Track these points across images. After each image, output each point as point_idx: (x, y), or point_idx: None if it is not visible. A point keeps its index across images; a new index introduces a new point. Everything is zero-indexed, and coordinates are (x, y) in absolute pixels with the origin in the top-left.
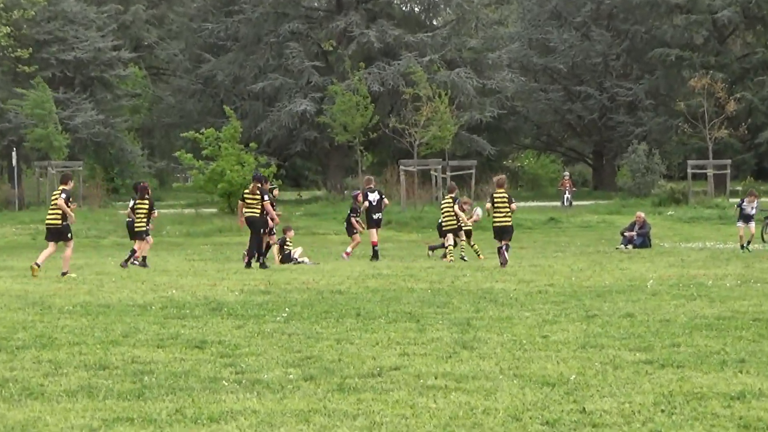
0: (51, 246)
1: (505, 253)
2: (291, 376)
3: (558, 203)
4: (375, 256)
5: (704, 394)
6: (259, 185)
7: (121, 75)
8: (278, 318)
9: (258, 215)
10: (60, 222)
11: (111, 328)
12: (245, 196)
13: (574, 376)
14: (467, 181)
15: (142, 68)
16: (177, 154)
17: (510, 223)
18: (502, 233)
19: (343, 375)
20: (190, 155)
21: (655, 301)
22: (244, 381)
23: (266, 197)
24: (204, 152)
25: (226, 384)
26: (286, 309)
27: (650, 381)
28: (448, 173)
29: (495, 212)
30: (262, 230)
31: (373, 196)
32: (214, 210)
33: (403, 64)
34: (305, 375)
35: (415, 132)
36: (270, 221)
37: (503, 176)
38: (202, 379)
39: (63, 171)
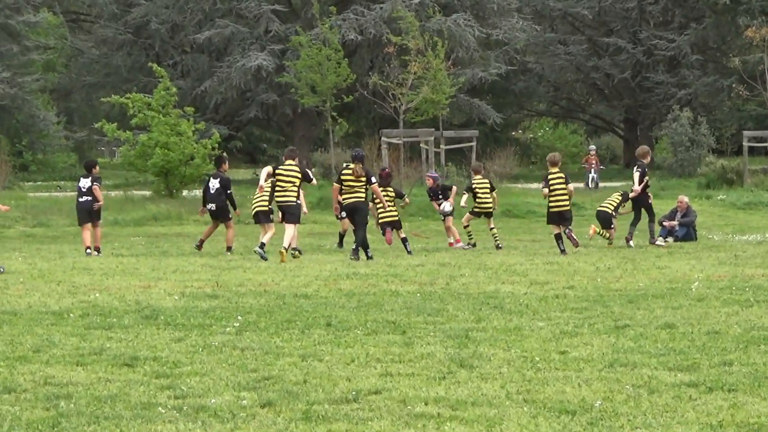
0: None
1: (572, 235)
2: (244, 401)
3: (581, 184)
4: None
5: (762, 424)
6: (361, 165)
7: (30, 22)
8: (228, 328)
9: (363, 200)
10: None
11: (18, 341)
12: (343, 178)
13: (599, 403)
14: (467, 156)
15: (57, 13)
16: (99, 125)
17: (569, 207)
18: (560, 219)
19: (310, 400)
20: (114, 125)
21: (701, 308)
22: (185, 407)
23: (373, 179)
24: (132, 121)
25: (163, 411)
26: (239, 317)
27: (695, 408)
28: (443, 146)
29: (551, 195)
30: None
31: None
32: (147, 192)
33: (387, 8)
34: (262, 400)
35: (402, 94)
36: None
37: (557, 153)
38: (132, 405)
39: None
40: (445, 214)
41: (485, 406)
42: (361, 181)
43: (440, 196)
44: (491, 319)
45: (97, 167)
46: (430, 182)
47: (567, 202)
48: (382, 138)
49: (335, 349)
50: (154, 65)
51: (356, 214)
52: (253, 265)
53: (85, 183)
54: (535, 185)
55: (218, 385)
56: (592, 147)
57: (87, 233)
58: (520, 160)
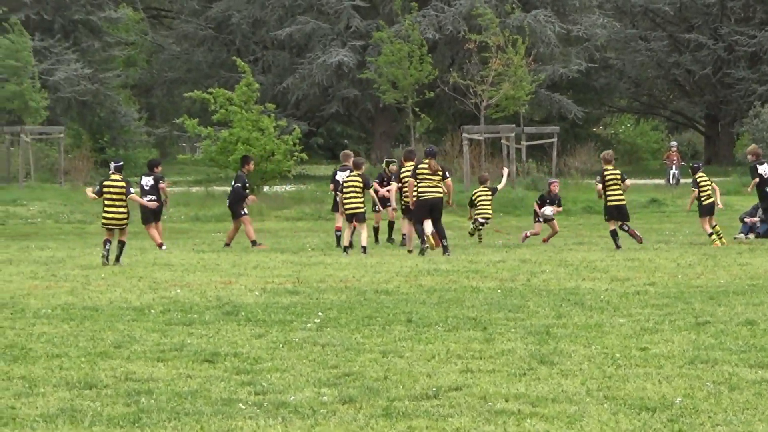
0: None
1: (634, 231)
2: (325, 397)
3: (662, 180)
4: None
5: None
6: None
7: (111, 18)
8: (309, 325)
9: (441, 195)
10: None
11: (99, 337)
12: (420, 174)
13: (679, 399)
14: (548, 152)
15: (138, 9)
16: (179, 120)
17: (625, 202)
18: (619, 214)
19: (390, 397)
20: (195, 121)
21: None
22: (265, 404)
23: (447, 174)
24: (214, 117)
25: (244, 407)
26: (319, 313)
27: None
28: (524, 142)
29: (608, 190)
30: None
31: (342, 175)
32: (228, 188)
33: (466, 5)
34: (342, 396)
35: (483, 91)
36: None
37: (610, 151)
38: (213, 401)
39: (40, 138)
40: (547, 219)
41: (565, 402)
42: (438, 176)
43: (547, 201)
44: (572, 316)
45: (160, 167)
46: (555, 188)
47: (623, 198)
48: (463, 134)
49: (416, 346)
50: (238, 60)
51: (434, 208)
52: (333, 261)
53: (147, 181)
54: None
55: (299, 381)
56: (674, 143)
57: (153, 231)
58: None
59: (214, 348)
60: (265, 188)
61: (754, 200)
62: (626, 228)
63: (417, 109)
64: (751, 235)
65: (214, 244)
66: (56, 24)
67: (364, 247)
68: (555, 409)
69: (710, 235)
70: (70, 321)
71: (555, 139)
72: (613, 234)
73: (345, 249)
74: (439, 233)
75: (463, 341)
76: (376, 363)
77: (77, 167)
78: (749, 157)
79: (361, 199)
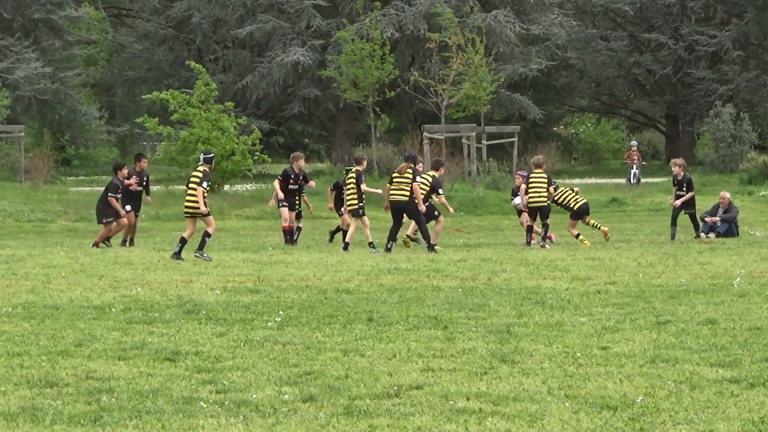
0: None
1: (550, 234)
2: (286, 396)
3: (622, 180)
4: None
5: None
6: (412, 166)
7: (72, 17)
8: (270, 323)
9: (408, 199)
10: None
11: (60, 336)
12: (394, 178)
13: (640, 398)
14: (508, 152)
15: (98, 8)
16: (140, 120)
17: (546, 204)
18: (534, 213)
19: (352, 395)
20: (155, 120)
21: (742, 304)
22: (227, 402)
23: (418, 179)
24: (173, 117)
25: (205, 406)
26: (280, 312)
27: (736, 404)
28: (484, 141)
29: (530, 192)
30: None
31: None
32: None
33: (425, 4)
34: (304, 395)
35: (443, 90)
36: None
37: (541, 156)
38: (174, 400)
39: (0, 136)
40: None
41: (527, 401)
42: (407, 179)
43: (516, 194)
44: (533, 315)
45: (125, 170)
46: (519, 180)
47: (544, 199)
48: (424, 133)
49: (377, 344)
50: (192, 63)
51: (403, 210)
52: (294, 260)
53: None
54: (577, 180)
55: (260, 380)
56: (634, 143)
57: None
58: (561, 156)
59: (175, 347)
60: (226, 187)
61: (714, 199)
62: (543, 226)
63: (378, 109)
64: (712, 235)
65: (175, 242)
66: (16, 22)
67: (346, 244)
68: (516, 408)
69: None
70: (31, 319)
71: (515, 139)
72: (528, 228)
73: (345, 246)
74: (391, 235)
75: (424, 340)
76: (337, 362)
77: (38, 166)
78: None
79: (355, 196)
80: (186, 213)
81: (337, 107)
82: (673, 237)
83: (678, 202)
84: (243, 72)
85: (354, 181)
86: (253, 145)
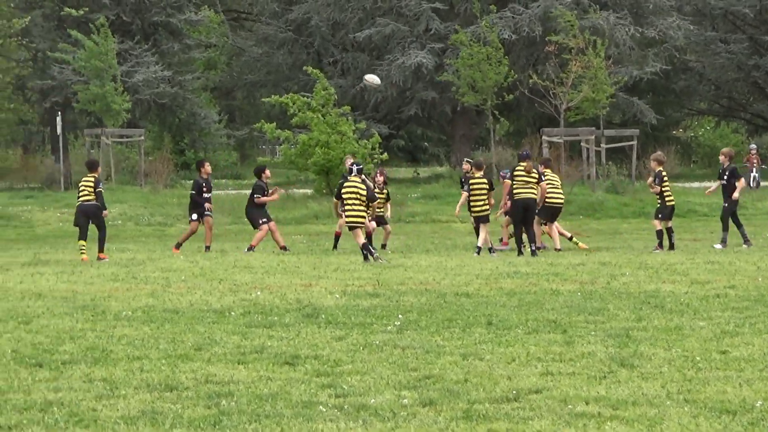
0: None
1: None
2: (405, 400)
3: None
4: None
5: None
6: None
7: (192, 20)
8: (389, 327)
9: (536, 197)
10: None
11: (180, 339)
12: (518, 176)
13: (760, 403)
14: (627, 155)
15: (218, 12)
16: (257, 125)
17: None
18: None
19: (471, 399)
20: (272, 125)
21: None
22: (346, 406)
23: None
24: (292, 121)
25: (324, 410)
26: (400, 316)
27: None
28: (603, 145)
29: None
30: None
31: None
32: (308, 191)
33: (542, 6)
34: (423, 399)
35: (562, 93)
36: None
37: (481, 159)
38: (293, 404)
39: (120, 140)
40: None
41: (645, 405)
42: (534, 178)
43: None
44: (652, 319)
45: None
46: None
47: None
48: (543, 137)
49: (496, 348)
50: (309, 68)
51: (528, 209)
52: (413, 264)
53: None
54: (696, 184)
55: (379, 384)
56: (753, 146)
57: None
58: (680, 159)
59: (294, 350)
60: None
61: None
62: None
63: (496, 112)
64: None
65: (294, 246)
66: (135, 26)
67: (487, 249)
68: (635, 412)
69: None
70: (151, 323)
71: (634, 142)
72: (660, 234)
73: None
74: (530, 237)
75: (544, 344)
76: (457, 366)
77: (157, 170)
78: None
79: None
80: (351, 224)
81: (455, 110)
82: (745, 240)
83: (737, 194)
84: (362, 75)
85: (486, 186)
86: (373, 149)
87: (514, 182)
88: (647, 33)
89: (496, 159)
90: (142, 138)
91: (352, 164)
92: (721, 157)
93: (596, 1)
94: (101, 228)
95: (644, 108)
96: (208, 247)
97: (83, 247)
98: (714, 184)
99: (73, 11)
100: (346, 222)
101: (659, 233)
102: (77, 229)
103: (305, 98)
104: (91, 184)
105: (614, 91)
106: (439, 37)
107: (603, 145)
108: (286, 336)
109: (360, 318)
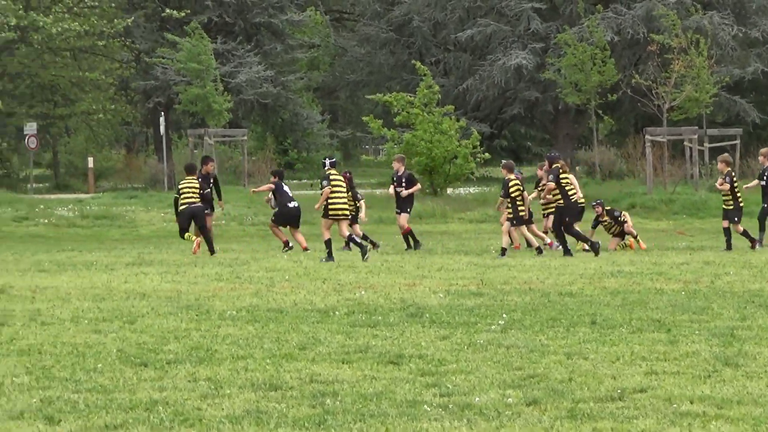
0: None
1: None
2: (510, 399)
3: None
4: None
5: None
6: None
7: (294, 20)
8: (493, 326)
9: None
10: None
11: (284, 339)
12: (564, 179)
13: None
14: (730, 155)
15: (320, 12)
16: (365, 118)
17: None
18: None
19: (575, 398)
20: (379, 122)
21: None
22: (450, 405)
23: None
24: (396, 119)
25: (429, 409)
26: (504, 315)
27: None
28: (706, 144)
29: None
30: None
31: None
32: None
33: (644, 7)
34: (527, 398)
35: (665, 93)
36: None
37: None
38: (398, 403)
39: (223, 140)
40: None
41: (751, 404)
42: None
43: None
44: (756, 318)
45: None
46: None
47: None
48: (646, 136)
49: (600, 347)
50: (417, 63)
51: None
52: (517, 264)
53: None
54: None
55: (483, 383)
56: None
57: (300, 235)
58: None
59: (398, 350)
60: (449, 190)
61: None
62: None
63: (600, 112)
64: None
65: (398, 246)
66: (238, 27)
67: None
68: (740, 412)
69: None
70: (255, 323)
71: (737, 141)
72: (732, 234)
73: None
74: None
75: (648, 343)
76: (561, 365)
77: (261, 169)
78: None
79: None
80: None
81: (556, 109)
82: (760, 241)
83: None
84: (463, 75)
85: (521, 188)
86: (474, 148)
87: (564, 184)
88: (750, 33)
89: (599, 158)
90: (245, 138)
91: (325, 158)
92: (761, 158)
93: (699, 1)
94: (207, 229)
95: (747, 107)
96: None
97: (190, 236)
98: (753, 182)
99: (175, 12)
100: (331, 214)
101: (746, 234)
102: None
103: (409, 97)
104: (196, 187)
105: (717, 91)
106: (540, 37)
107: (706, 145)
108: (391, 335)
109: (464, 317)
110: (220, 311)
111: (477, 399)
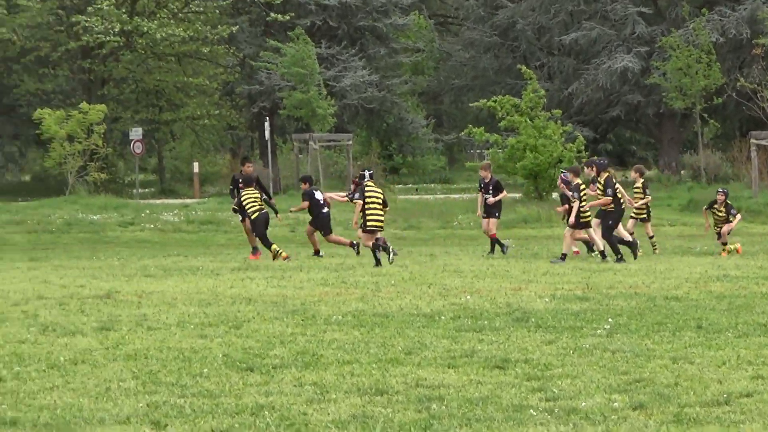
0: None
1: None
2: (615, 404)
3: None
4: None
5: None
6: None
7: (398, 24)
8: (599, 331)
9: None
10: None
11: (390, 344)
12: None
13: None
14: None
15: (425, 16)
16: (465, 131)
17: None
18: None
19: (681, 403)
20: (480, 129)
21: None
22: (556, 410)
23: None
24: (500, 124)
25: (535, 413)
26: (609, 319)
27: None
28: None
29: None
30: None
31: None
32: (516, 195)
33: (749, 9)
34: (633, 402)
35: None
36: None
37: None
38: (503, 408)
39: (328, 145)
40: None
41: None
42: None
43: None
44: None
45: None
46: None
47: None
48: (751, 140)
49: (706, 352)
50: (523, 67)
51: None
52: (623, 268)
53: (321, 195)
54: None
55: (589, 388)
56: None
57: (336, 237)
58: None
59: (504, 354)
60: (554, 195)
61: None
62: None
63: (705, 115)
64: None
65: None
66: (342, 31)
67: (602, 253)
68: None
69: None
70: (361, 327)
71: None
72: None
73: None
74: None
75: (754, 347)
76: (667, 369)
77: None
78: None
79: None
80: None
81: (659, 113)
82: None
83: None
84: (568, 79)
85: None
86: (578, 152)
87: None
88: None
89: (705, 162)
90: (350, 143)
91: (363, 170)
92: None
93: None
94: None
95: None
96: (254, 248)
97: (278, 250)
98: None
99: (279, 16)
100: (369, 226)
101: None
102: (290, 233)
103: (514, 101)
104: (257, 196)
105: None
106: (644, 41)
107: None
108: (496, 340)
109: (570, 322)
110: (325, 316)
111: (583, 403)
